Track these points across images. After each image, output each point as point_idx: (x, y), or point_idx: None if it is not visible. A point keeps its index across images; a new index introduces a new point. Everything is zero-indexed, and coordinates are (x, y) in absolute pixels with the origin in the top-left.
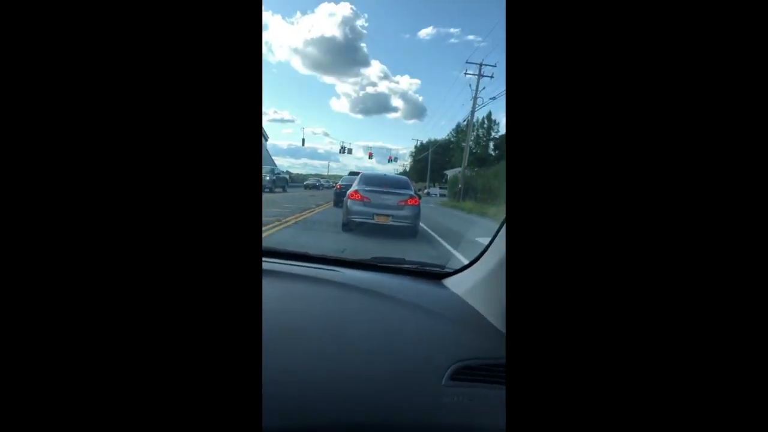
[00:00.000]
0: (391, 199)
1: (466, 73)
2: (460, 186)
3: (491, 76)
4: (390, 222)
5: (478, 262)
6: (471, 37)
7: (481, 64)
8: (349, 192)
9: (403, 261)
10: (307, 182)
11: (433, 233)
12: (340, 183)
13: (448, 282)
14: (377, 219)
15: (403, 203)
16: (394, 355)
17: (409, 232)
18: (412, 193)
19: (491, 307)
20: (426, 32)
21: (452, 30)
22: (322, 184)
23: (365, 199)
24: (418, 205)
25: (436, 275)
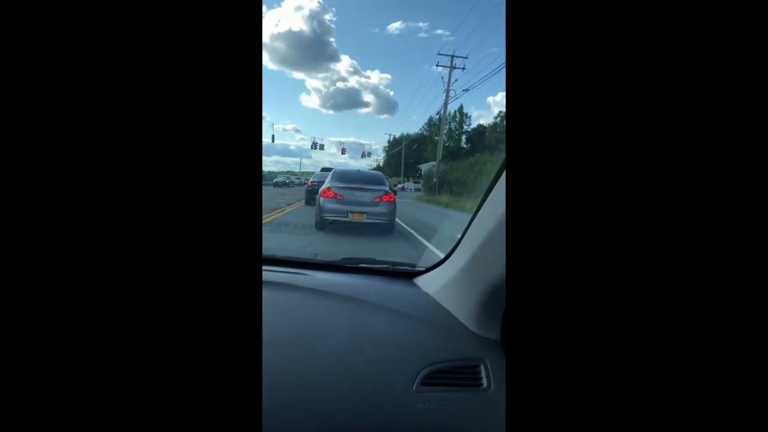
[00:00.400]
0: (365, 196)
1: (438, 65)
2: (435, 180)
3: (463, 68)
4: (365, 219)
5: (448, 261)
6: (440, 31)
7: (452, 56)
8: (321, 189)
9: (373, 261)
10: (276, 180)
11: (411, 230)
12: (312, 180)
13: (420, 281)
14: (351, 216)
15: (378, 200)
16: (364, 362)
17: (385, 228)
18: (387, 188)
19: (462, 306)
20: (395, 26)
21: (421, 24)
22: (293, 181)
23: (338, 197)
24: (394, 201)
25: (407, 274)
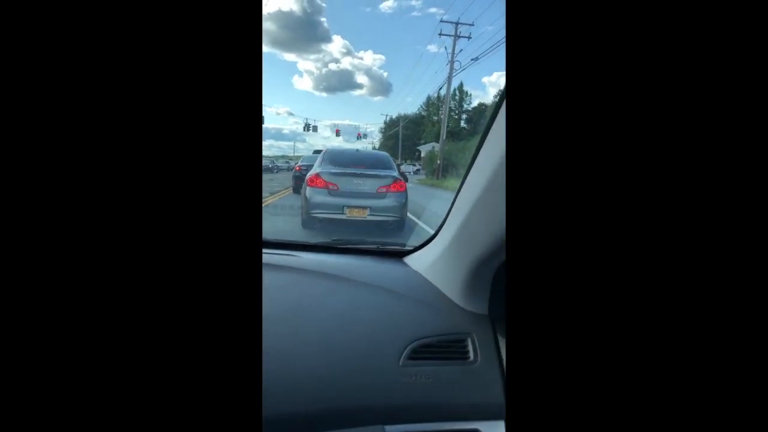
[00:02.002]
0: (367, 184)
1: (440, 34)
2: (438, 162)
3: (468, 37)
4: (367, 217)
5: (436, 238)
6: (433, 9)
7: (457, 23)
8: (308, 176)
9: (364, 241)
10: None
11: (424, 225)
12: (299, 164)
13: (409, 260)
14: (349, 213)
15: (384, 189)
16: (351, 339)
17: (394, 228)
18: (396, 174)
19: (449, 282)
20: (387, 5)
21: (413, 2)
22: (277, 166)
23: (331, 186)
24: (405, 191)
25: (397, 253)
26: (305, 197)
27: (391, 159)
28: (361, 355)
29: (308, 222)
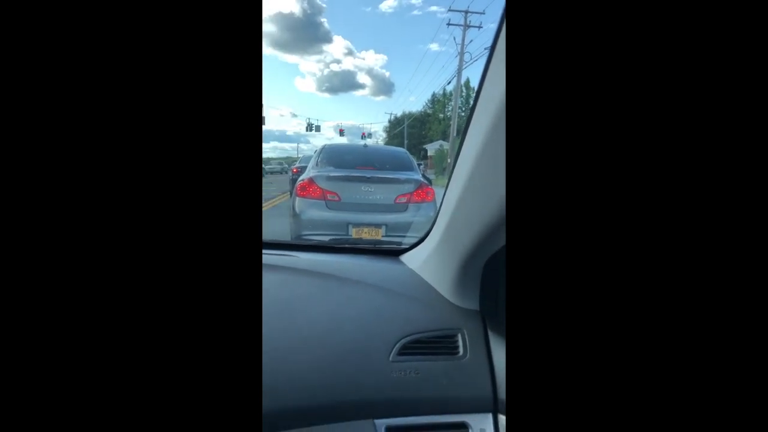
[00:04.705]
0: (381, 193)
1: (449, 24)
2: (449, 160)
3: (479, 27)
4: (382, 238)
5: (429, 235)
6: (434, 8)
7: (467, 12)
8: (297, 183)
9: (360, 241)
10: None
11: None
12: (296, 165)
13: (405, 258)
14: (356, 233)
15: (405, 198)
16: (343, 336)
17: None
18: (419, 177)
19: (440, 279)
20: (387, 4)
21: (414, 1)
22: (273, 169)
23: (329, 196)
24: (434, 201)
25: (393, 252)
26: (294, 212)
27: (411, 157)
28: (353, 351)
29: (297, 241)
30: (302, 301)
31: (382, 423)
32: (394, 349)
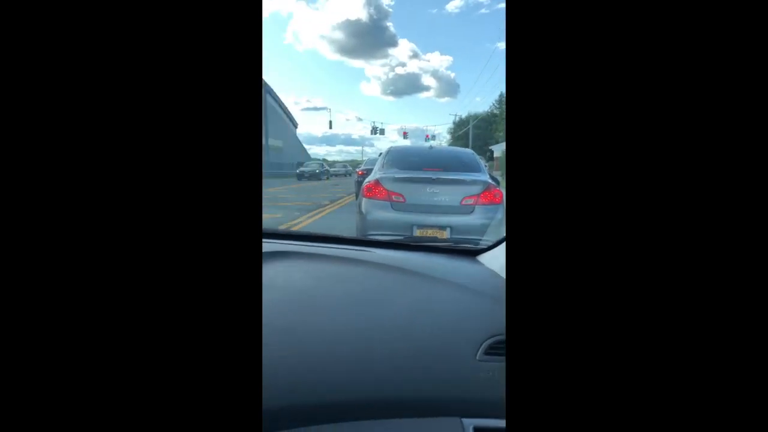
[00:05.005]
0: (446, 194)
1: None
2: None
3: None
4: (448, 239)
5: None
6: (501, 5)
7: None
8: (364, 184)
9: (436, 239)
10: (301, 169)
11: None
12: (362, 168)
13: (483, 258)
14: (421, 233)
15: (471, 200)
16: (428, 331)
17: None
18: (487, 178)
19: None
20: (454, 5)
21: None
22: (326, 170)
23: (395, 197)
24: (502, 203)
25: (471, 252)
26: (360, 212)
27: (478, 158)
28: (439, 346)
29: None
30: (384, 293)
31: (470, 422)
32: (481, 349)
